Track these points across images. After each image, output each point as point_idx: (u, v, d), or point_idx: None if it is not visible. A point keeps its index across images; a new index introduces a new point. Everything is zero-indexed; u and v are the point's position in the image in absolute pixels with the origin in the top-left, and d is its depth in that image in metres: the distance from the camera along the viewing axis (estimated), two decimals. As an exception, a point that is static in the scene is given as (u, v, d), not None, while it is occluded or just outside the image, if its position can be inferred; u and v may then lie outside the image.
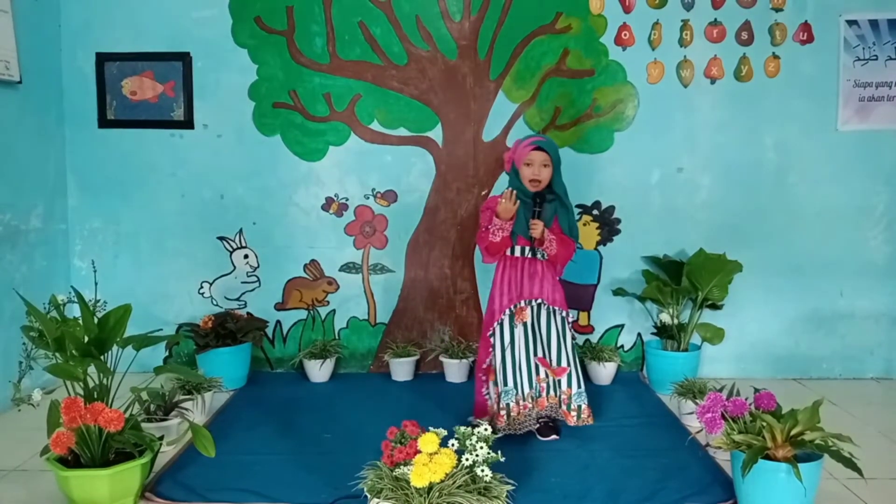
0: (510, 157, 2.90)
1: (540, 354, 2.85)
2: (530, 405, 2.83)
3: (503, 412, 2.81)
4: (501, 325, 2.85)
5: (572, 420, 2.86)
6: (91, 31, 3.72)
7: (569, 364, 2.86)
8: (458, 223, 3.79)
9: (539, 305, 2.86)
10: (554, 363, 2.86)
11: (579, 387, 2.87)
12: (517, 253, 2.88)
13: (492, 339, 2.87)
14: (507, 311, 2.84)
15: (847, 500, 2.38)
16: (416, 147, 3.77)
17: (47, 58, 3.63)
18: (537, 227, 2.75)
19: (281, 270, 3.84)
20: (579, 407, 2.86)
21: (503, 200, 2.72)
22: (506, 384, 2.82)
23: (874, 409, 3.32)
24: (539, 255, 2.87)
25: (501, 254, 2.88)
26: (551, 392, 2.87)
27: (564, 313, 2.89)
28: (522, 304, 2.84)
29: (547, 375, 2.85)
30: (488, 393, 2.93)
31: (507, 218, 2.75)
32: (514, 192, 2.74)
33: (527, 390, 2.83)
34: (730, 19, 3.68)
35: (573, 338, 2.91)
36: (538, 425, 2.86)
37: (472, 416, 2.98)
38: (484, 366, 2.93)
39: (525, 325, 2.85)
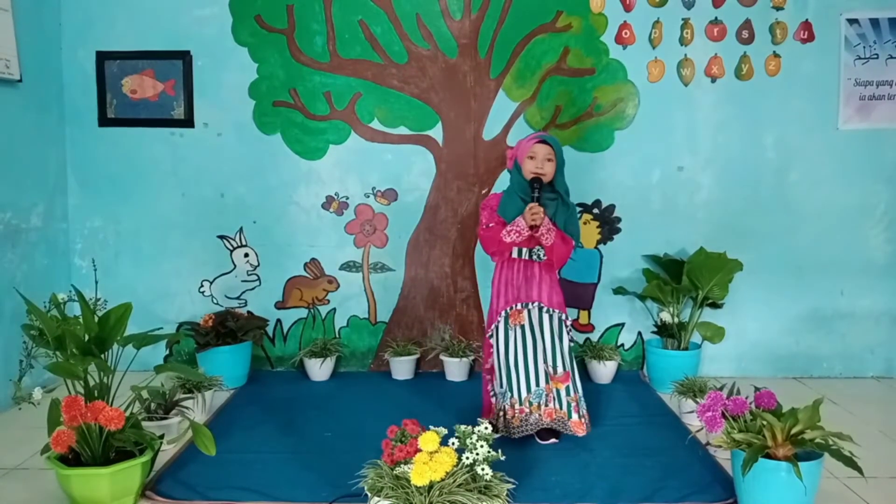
0: (513, 153, 2.85)
1: (543, 360, 2.79)
2: (527, 410, 2.76)
3: (501, 413, 2.79)
4: (497, 327, 2.83)
5: (583, 429, 2.77)
6: (91, 29, 3.72)
7: (567, 369, 2.80)
8: (459, 222, 3.79)
9: (538, 308, 2.81)
10: (559, 370, 2.78)
11: (578, 391, 2.81)
12: (514, 254, 2.84)
13: (491, 341, 2.86)
14: (504, 314, 2.82)
15: (847, 499, 2.38)
16: (417, 146, 3.77)
17: (48, 56, 3.63)
18: (538, 214, 2.67)
19: (281, 269, 3.84)
20: (587, 413, 2.81)
21: (528, 211, 2.67)
22: (501, 387, 2.80)
23: (874, 408, 3.32)
24: (535, 257, 2.83)
25: (507, 254, 2.84)
26: (558, 404, 2.78)
27: (562, 315, 2.83)
28: (518, 306, 2.81)
29: (551, 384, 2.78)
30: (494, 393, 2.88)
31: (531, 224, 2.69)
32: (538, 205, 2.69)
33: (524, 394, 2.77)
34: (730, 18, 3.68)
35: (571, 340, 2.85)
36: (537, 430, 2.78)
37: (480, 418, 2.95)
38: (486, 366, 2.92)
39: (523, 328, 2.81)
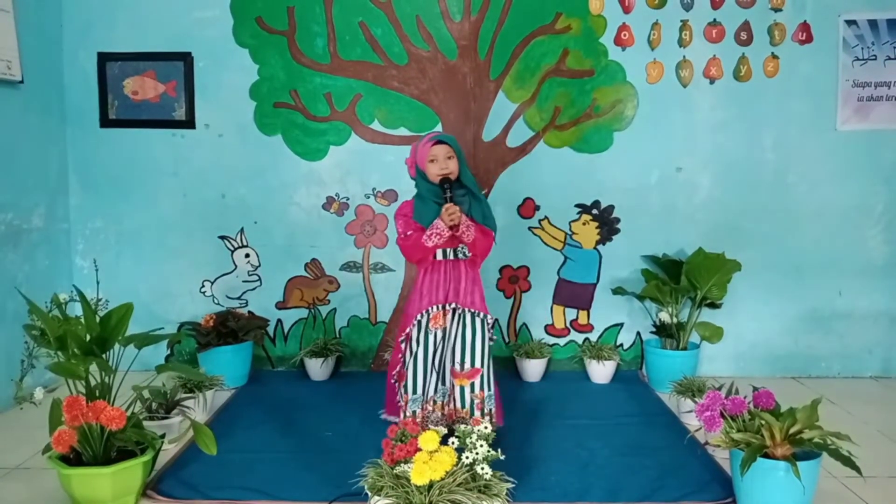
0: (411, 161, 2.81)
1: (451, 358, 2.77)
2: (430, 408, 2.76)
3: (412, 416, 2.74)
4: (417, 328, 2.77)
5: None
6: (93, 30, 3.73)
7: (482, 366, 2.76)
8: (459, 222, 3.80)
9: (452, 309, 2.77)
10: (466, 366, 2.75)
11: (489, 389, 2.77)
12: (438, 256, 2.78)
13: (402, 346, 2.80)
14: (423, 315, 2.76)
15: (846, 499, 2.39)
16: (417, 147, 3.78)
17: (49, 57, 3.64)
18: (455, 213, 2.65)
19: (282, 269, 3.85)
20: (491, 411, 2.77)
21: (445, 212, 2.63)
22: (415, 392, 2.76)
23: (873, 408, 3.33)
24: (461, 255, 2.78)
25: (429, 259, 2.79)
26: (460, 404, 2.75)
27: (481, 315, 2.78)
28: (436, 309, 2.75)
29: (454, 386, 2.76)
30: (400, 397, 2.81)
31: (450, 224, 2.65)
32: (453, 204, 2.65)
33: (430, 393, 2.75)
34: (729, 19, 3.69)
35: (490, 339, 2.79)
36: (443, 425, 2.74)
37: (383, 411, 3.03)
38: (395, 371, 2.85)
39: (439, 330, 2.76)
